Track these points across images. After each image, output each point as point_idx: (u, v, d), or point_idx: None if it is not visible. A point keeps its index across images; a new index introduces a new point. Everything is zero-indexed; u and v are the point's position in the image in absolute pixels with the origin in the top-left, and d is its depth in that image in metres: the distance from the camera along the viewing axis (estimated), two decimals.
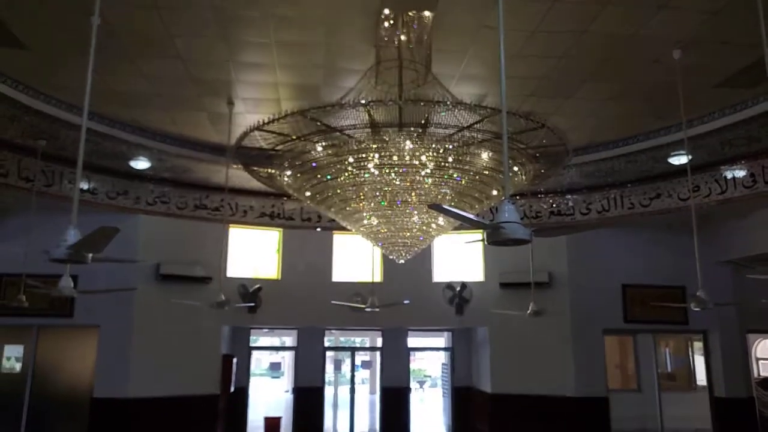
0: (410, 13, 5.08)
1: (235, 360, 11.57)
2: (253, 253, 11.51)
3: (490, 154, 4.73)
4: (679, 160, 8.24)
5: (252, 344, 12.85)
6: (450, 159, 4.66)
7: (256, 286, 10.81)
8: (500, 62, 2.93)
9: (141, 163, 8.84)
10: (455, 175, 4.77)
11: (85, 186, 9.11)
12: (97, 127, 7.50)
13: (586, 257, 10.93)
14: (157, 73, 6.31)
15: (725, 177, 8.43)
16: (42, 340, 10.16)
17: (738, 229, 9.98)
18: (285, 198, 10.30)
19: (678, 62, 5.74)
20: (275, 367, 20.03)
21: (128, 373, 9.76)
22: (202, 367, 10.41)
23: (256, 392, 13.56)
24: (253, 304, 10.54)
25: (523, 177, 5.18)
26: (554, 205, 10.36)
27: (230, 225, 10.91)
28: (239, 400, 11.79)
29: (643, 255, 10.99)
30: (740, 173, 8.25)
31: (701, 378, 11.54)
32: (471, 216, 2.70)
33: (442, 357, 14.27)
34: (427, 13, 5.08)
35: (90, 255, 3.11)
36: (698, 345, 11.77)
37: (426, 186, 4.82)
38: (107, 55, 5.77)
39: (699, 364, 11.76)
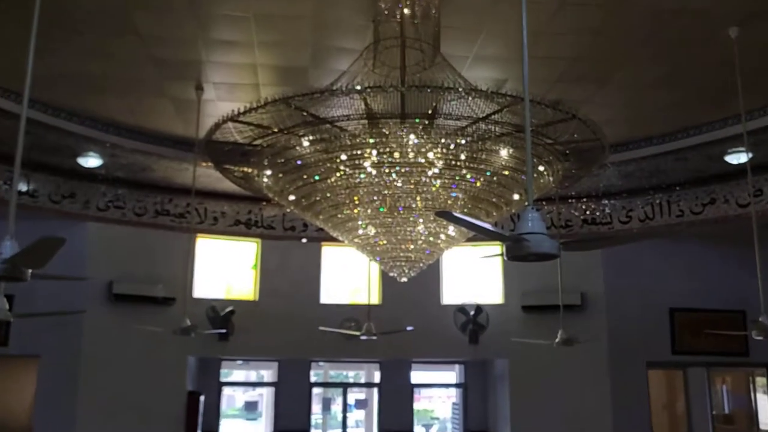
0: None
1: (202, 398, 11.53)
2: (225, 268, 11.52)
3: (511, 150, 4.73)
4: (738, 158, 8.28)
5: (223, 379, 12.83)
6: (462, 156, 4.66)
7: (229, 308, 10.80)
8: (522, 40, 2.95)
9: (91, 160, 8.85)
10: (468, 176, 4.76)
11: (23, 187, 9.12)
12: (39, 116, 7.50)
13: (627, 275, 10.94)
14: (112, 53, 6.33)
15: None
16: None
17: None
18: (264, 203, 10.30)
19: (735, 41, 5.76)
20: (251, 407, 19.94)
21: (74, 413, 9.73)
22: (163, 407, 10.38)
23: None
24: (224, 331, 10.53)
25: (550, 178, 5.18)
26: (588, 212, 10.38)
27: (198, 235, 10.91)
28: None
29: (694, 273, 11.00)
30: None
31: (765, 421, 11.52)
32: (487, 225, 2.71)
33: (452, 395, 14.24)
34: None
35: (29, 271, 3.11)
36: (761, 381, 11.76)
37: (433, 189, 4.81)
38: (52, 31, 5.79)
39: (762, 403, 11.74)
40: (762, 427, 11.72)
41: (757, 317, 6.02)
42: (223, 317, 10.68)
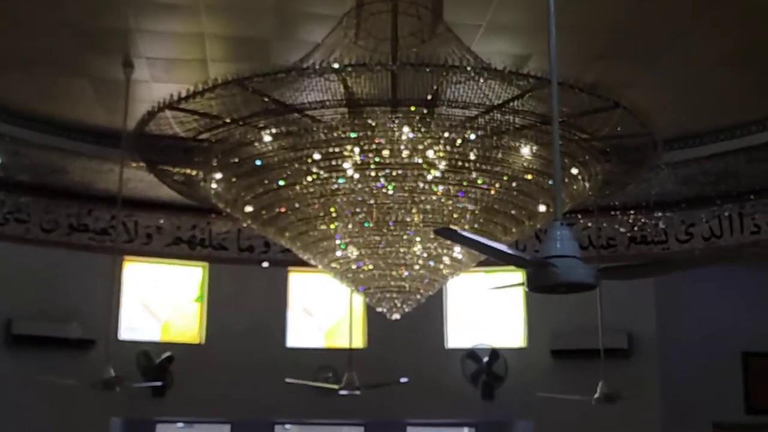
0: None
1: None
2: (161, 302, 11.47)
3: (535, 148, 4.77)
4: None
5: None
6: (472, 156, 4.70)
7: (166, 354, 10.73)
8: (549, 4, 2.98)
9: None
10: (480, 181, 4.80)
11: None
12: None
13: (687, 310, 10.97)
14: (13, 19, 6.31)
15: None
16: None
17: None
18: (213, 215, 10.28)
19: None
20: None
21: None
22: None
23: None
24: (160, 383, 10.46)
25: (586, 184, 5.22)
26: (636, 228, 10.42)
27: (126, 257, 10.87)
28: None
29: None
30: None
31: None
32: (503, 247, 2.72)
33: None
34: None
35: None
36: None
37: (434, 198, 4.84)
38: None
39: None
40: None
41: None
42: (158, 365, 10.61)
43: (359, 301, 9.45)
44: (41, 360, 9.97)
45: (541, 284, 2.57)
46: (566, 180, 5.06)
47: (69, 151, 8.66)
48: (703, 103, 7.81)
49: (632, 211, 10.35)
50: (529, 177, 4.87)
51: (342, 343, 10.40)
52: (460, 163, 4.72)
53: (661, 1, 6.03)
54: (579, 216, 9.93)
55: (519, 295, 11.52)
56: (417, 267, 5.43)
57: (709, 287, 10.82)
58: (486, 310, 11.77)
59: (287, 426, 13.41)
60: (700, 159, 8.71)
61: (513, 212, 5.08)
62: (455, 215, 4.94)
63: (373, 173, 4.72)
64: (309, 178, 4.83)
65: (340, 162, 4.71)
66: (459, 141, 4.68)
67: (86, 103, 7.87)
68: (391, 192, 4.80)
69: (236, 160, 4.98)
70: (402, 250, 5.26)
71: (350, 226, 5.12)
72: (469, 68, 4.51)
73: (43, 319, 10.25)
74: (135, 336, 11.03)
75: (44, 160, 9.01)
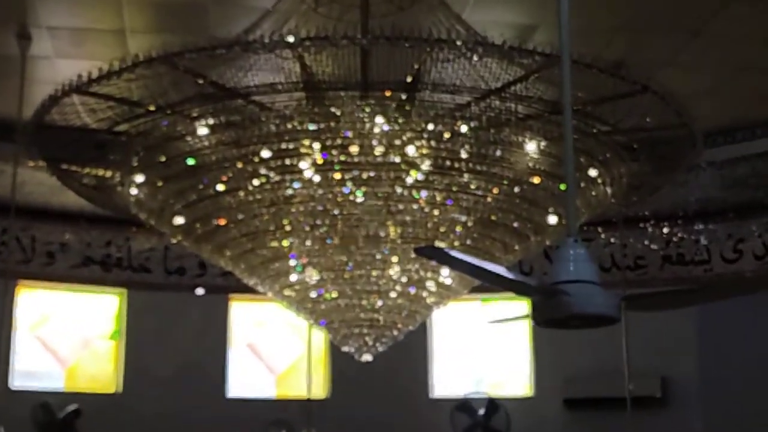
0: None
1: None
2: (66, 339, 11.41)
3: (543, 144, 4.81)
4: None
5: None
6: (463, 153, 4.74)
7: (72, 407, 10.68)
8: None
9: None
10: (474, 186, 4.84)
11: None
12: None
13: (735, 348, 11.08)
14: None
15: None
16: None
17: None
18: (133, 229, 10.25)
19: None
20: None
21: None
22: None
23: None
24: None
25: (608, 189, 5.28)
26: (671, 245, 10.52)
27: (20, 282, 10.82)
28: None
29: None
30: None
31: None
32: (501, 269, 2.75)
33: None
34: None
35: None
36: None
37: (416, 206, 4.88)
38: None
39: None
40: None
41: None
42: (61, 421, 10.56)
43: (320, 338, 9.45)
44: None
45: (552, 317, 2.59)
46: (582, 184, 5.09)
47: None
48: (755, 89, 7.91)
49: (666, 223, 10.46)
50: (536, 180, 4.92)
51: (299, 391, 10.39)
52: (448, 163, 4.75)
53: None
54: (599, 229, 10.01)
55: (524, 330, 11.60)
56: (393, 295, 5.46)
57: (764, 320, 10.93)
58: (482, 350, 11.82)
59: None
60: (751, 157, 8.83)
61: (515, 225, 5.12)
62: (442, 229, 4.98)
63: (337, 175, 4.74)
64: (256, 182, 4.84)
65: (295, 161, 4.72)
66: (447, 135, 4.71)
67: None
68: (360, 199, 4.82)
69: (163, 158, 4.99)
70: (374, 273, 5.29)
71: (309, 242, 5.14)
72: (459, 42, 4.52)
73: None
74: (32, 384, 10.95)
75: None
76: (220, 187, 4.92)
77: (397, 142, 4.67)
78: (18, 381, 10.82)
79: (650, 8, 6.67)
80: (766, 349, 11.16)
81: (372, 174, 4.73)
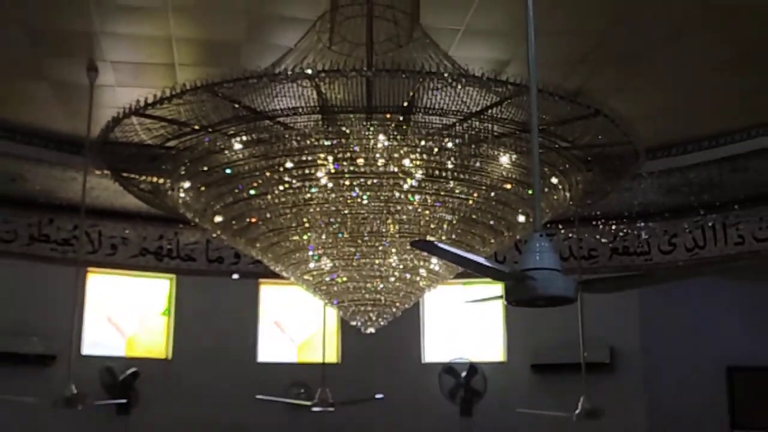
0: None
1: None
2: (127, 315, 11.40)
3: (514, 156, 4.79)
4: None
5: None
6: (449, 165, 4.71)
7: (131, 370, 10.66)
8: (528, 9, 3.00)
9: None
10: (458, 191, 4.81)
11: None
12: None
13: (671, 324, 11.05)
14: None
15: None
16: None
17: None
18: (180, 225, 10.25)
19: None
20: None
21: None
22: None
23: None
24: (125, 401, 10.39)
25: (567, 194, 5.26)
26: (618, 239, 10.50)
27: (89, 269, 10.80)
28: None
29: (761, 320, 11.15)
30: None
31: None
32: (480, 259, 2.73)
33: None
34: None
35: None
36: None
37: (411, 208, 4.86)
38: None
39: None
40: None
41: None
42: (122, 382, 10.54)
43: (333, 314, 9.45)
44: (0, 376, 9.87)
45: (521, 298, 2.58)
46: (546, 189, 5.08)
47: (29, 158, 8.62)
48: (689, 111, 7.91)
49: (614, 222, 10.43)
50: (508, 186, 4.88)
51: (315, 358, 10.37)
52: (437, 172, 4.72)
53: (647, 7, 6.09)
54: (559, 226, 10.00)
55: (498, 308, 11.57)
56: (392, 279, 5.44)
57: (695, 300, 10.90)
58: (464, 324, 11.80)
59: None
60: (683, 168, 8.81)
61: (492, 223, 5.10)
62: (432, 226, 4.95)
63: (347, 182, 4.71)
64: (281, 188, 4.82)
65: (313, 171, 4.70)
66: (436, 149, 4.69)
67: (48, 108, 7.83)
68: (365, 202, 4.80)
69: (205, 168, 4.96)
70: (377, 261, 5.27)
71: (323, 236, 5.11)
72: (446, 74, 4.51)
73: (1, 334, 10.16)
74: (98, 351, 10.93)
75: (3, 168, 8.94)
76: (252, 192, 4.90)
77: (396, 155, 4.65)
78: (87, 349, 10.84)
79: (604, 45, 6.65)
80: (694, 324, 11.16)
81: (375, 181, 4.71)
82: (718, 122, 8.16)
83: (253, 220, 5.13)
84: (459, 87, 4.52)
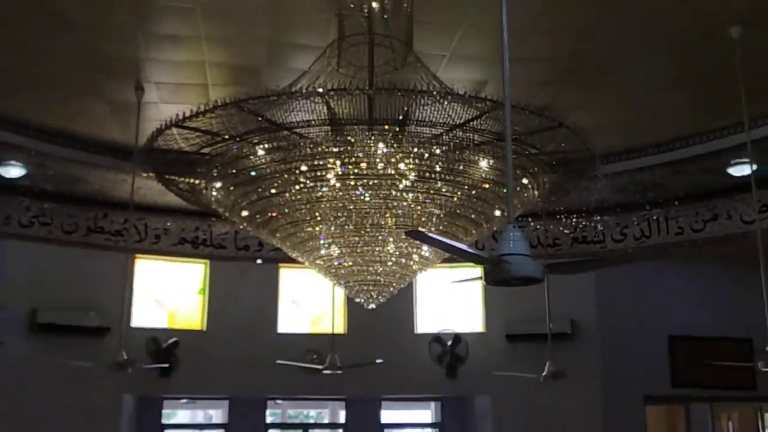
0: None
1: None
2: (168, 293, 11.40)
3: (491, 161, 4.78)
4: (741, 170, 8.45)
5: (165, 421, 12.65)
6: (437, 168, 4.70)
7: (172, 339, 10.69)
8: (503, 38, 2.99)
9: (12, 170, 8.71)
10: (444, 190, 4.80)
11: None
12: None
13: (622, 300, 11.09)
14: (37, 46, 6.25)
15: None
16: None
17: None
18: (213, 219, 10.23)
19: (737, 42, 5.91)
20: None
21: None
22: None
23: None
24: (167, 365, 10.41)
25: (535, 192, 5.25)
26: (578, 230, 10.50)
27: (137, 255, 10.80)
28: None
29: (696, 297, 11.19)
30: None
31: None
32: (463, 246, 2.73)
33: None
34: None
35: None
36: None
37: (405, 204, 4.84)
38: None
39: None
40: None
41: (764, 347, 6.14)
42: (165, 349, 10.57)
43: (340, 293, 9.45)
44: (63, 345, 9.88)
45: (497, 278, 2.56)
46: (518, 189, 5.07)
47: (87, 163, 8.60)
48: (635, 124, 7.90)
49: (574, 215, 10.43)
50: (487, 186, 4.87)
51: (326, 329, 10.38)
52: (427, 174, 4.72)
53: (600, 39, 6.08)
54: (529, 219, 9.99)
55: (478, 287, 11.59)
56: (390, 263, 5.43)
57: (642, 280, 10.94)
58: (450, 301, 11.82)
59: (278, 401, 13.39)
60: (632, 171, 8.80)
61: (473, 216, 5.08)
62: (423, 219, 4.94)
63: (352, 182, 4.71)
64: (297, 187, 4.80)
65: (323, 173, 4.69)
66: (426, 155, 4.68)
67: (104, 122, 7.82)
68: (367, 199, 4.78)
69: (233, 171, 4.95)
70: (377, 249, 5.25)
71: (332, 228, 5.10)
72: (435, 93, 4.51)
73: (64, 309, 10.19)
74: (145, 324, 10.97)
75: (66, 171, 8.93)
76: (272, 191, 4.89)
77: (393, 160, 4.64)
78: (135, 322, 10.87)
79: (565, 69, 6.65)
80: (641, 300, 11.20)
81: (375, 181, 4.70)
82: (661, 133, 8.16)
83: (274, 214, 5.11)
84: (445, 103, 4.52)
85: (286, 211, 5.02)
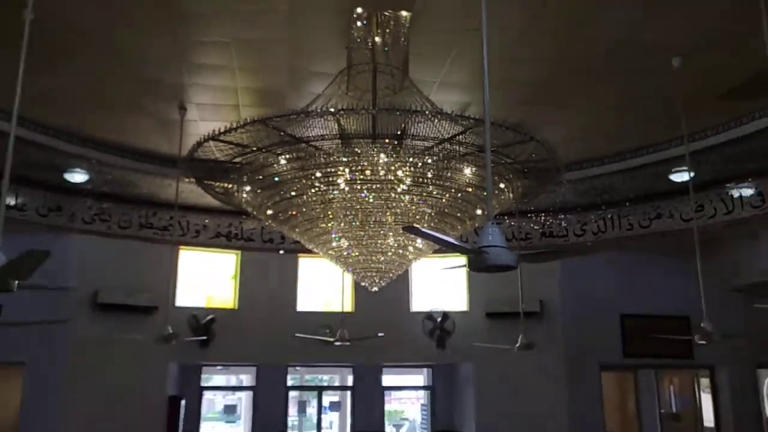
0: (386, 13, 5.15)
1: (183, 402, 11.36)
2: (206, 279, 11.40)
3: (474, 169, 4.79)
4: (681, 177, 8.45)
5: (203, 384, 12.65)
6: (429, 174, 4.71)
7: (209, 316, 10.68)
8: (484, 68, 2.99)
9: (77, 176, 8.72)
10: (435, 193, 4.81)
11: (11, 201, 8.94)
12: (27, 134, 7.38)
13: (582, 284, 11.07)
14: (98, 73, 6.27)
15: (731, 196, 8.66)
16: None
17: (747, 253, 10.22)
18: (243, 216, 10.25)
19: (678, 71, 5.91)
20: (230, 410, 19.66)
21: (57, 419, 9.50)
22: (145, 411, 10.20)
23: None
24: (205, 338, 10.41)
25: (510, 195, 5.24)
26: (545, 226, 10.50)
27: (180, 247, 10.80)
28: None
29: (643, 282, 11.17)
30: (748, 192, 8.48)
31: (709, 419, 11.68)
32: (451, 239, 2.72)
33: (421, 397, 14.22)
34: (404, 13, 5.16)
35: (16, 282, 3.05)
36: (705, 382, 11.93)
37: (402, 204, 4.84)
38: (38, 51, 5.69)
39: (706, 403, 11.91)
40: (706, 424, 11.89)
41: (699, 323, 6.14)
42: (203, 325, 10.57)
43: (349, 278, 9.45)
44: (119, 321, 9.91)
45: (478, 266, 2.56)
46: (496, 192, 5.08)
47: (139, 170, 8.60)
48: (593, 138, 7.89)
49: (542, 214, 10.43)
50: (470, 190, 4.88)
51: (336, 308, 10.38)
52: (420, 180, 4.72)
53: (564, 67, 6.08)
54: (505, 217, 9.98)
55: (463, 273, 11.58)
56: (390, 254, 5.43)
57: (598, 267, 10.92)
58: (439, 284, 11.81)
59: (297, 367, 13.39)
60: (590, 177, 8.79)
61: (458, 215, 5.08)
62: (417, 217, 4.94)
63: (358, 186, 4.71)
64: (312, 190, 4.81)
65: (335, 179, 4.70)
66: (420, 164, 4.68)
67: (152, 135, 7.82)
68: (371, 200, 4.79)
69: (260, 177, 4.95)
70: (379, 241, 5.26)
71: (342, 224, 5.10)
72: (427, 112, 4.52)
73: (120, 291, 10.19)
74: (187, 303, 10.96)
75: (121, 177, 8.93)
76: (292, 193, 4.89)
77: (392, 168, 4.65)
78: (179, 302, 10.86)
79: (535, 93, 6.64)
80: (598, 284, 11.17)
81: (378, 186, 4.70)
82: (615, 145, 8.15)
83: (293, 213, 5.11)
84: (436, 121, 4.54)
85: (304, 210, 5.03)
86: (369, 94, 5.25)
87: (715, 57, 5.83)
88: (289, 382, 12.77)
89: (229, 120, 4.83)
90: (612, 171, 8.54)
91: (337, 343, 9.19)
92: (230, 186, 5.39)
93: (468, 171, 4.79)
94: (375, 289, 5.91)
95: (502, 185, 5.08)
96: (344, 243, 5.34)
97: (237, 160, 5.04)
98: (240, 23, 5.38)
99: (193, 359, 11.16)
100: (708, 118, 7.10)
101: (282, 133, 4.68)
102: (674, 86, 6.08)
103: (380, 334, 9.98)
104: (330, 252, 5.57)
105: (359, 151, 4.64)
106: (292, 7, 5.17)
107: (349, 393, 13.31)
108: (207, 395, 13.39)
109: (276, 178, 4.86)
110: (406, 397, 17.02)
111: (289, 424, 12.60)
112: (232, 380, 16.51)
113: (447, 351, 11.26)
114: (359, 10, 5.12)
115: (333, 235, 5.28)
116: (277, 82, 6.41)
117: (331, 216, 5.01)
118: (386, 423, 13.20)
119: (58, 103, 6.90)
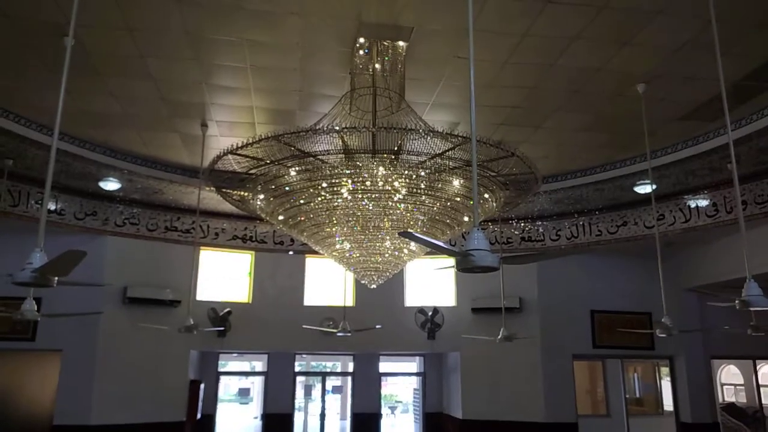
0: (385, 43, 5.17)
1: (202, 386, 11.32)
2: (223, 276, 11.38)
3: (462, 181, 4.78)
4: (644, 189, 8.47)
5: (220, 369, 12.60)
6: (422, 185, 4.71)
7: (226, 309, 10.66)
8: (471, 92, 3.00)
9: (110, 184, 8.71)
10: (427, 202, 4.80)
11: (52, 206, 8.93)
12: (67, 147, 7.39)
13: (556, 283, 11.06)
14: (129, 94, 6.27)
15: (689, 206, 8.68)
16: (1, 365, 9.81)
17: (702, 257, 10.24)
18: (257, 221, 10.23)
19: (642, 95, 5.94)
20: (244, 393, 19.61)
21: (91, 400, 9.47)
22: (168, 394, 10.15)
23: (223, 419, 13.26)
24: (222, 328, 10.38)
25: (494, 204, 5.24)
26: (525, 232, 10.50)
27: (201, 247, 10.79)
28: (206, 427, 11.50)
29: (611, 281, 11.16)
30: (703, 203, 8.50)
31: (668, 403, 11.69)
32: (441, 243, 2.72)
33: (413, 382, 14.19)
34: (401, 43, 5.18)
35: (55, 278, 3.05)
36: (665, 371, 11.95)
37: (398, 211, 4.84)
38: (78, 75, 5.72)
39: (666, 389, 11.92)
40: (666, 408, 11.91)
41: (660, 319, 6.15)
42: (221, 317, 10.54)
43: (350, 276, 9.46)
44: (146, 314, 9.87)
45: (465, 267, 2.54)
46: (481, 201, 5.07)
47: (165, 179, 8.58)
48: (567, 155, 7.89)
49: (522, 221, 10.43)
50: (458, 199, 4.87)
51: (339, 303, 10.37)
52: (414, 190, 4.72)
53: (541, 92, 6.09)
54: (489, 224, 9.99)
55: (451, 273, 11.58)
56: (387, 255, 5.42)
57: (571, 268, 10.91)
58: (431, 283, 11.80)
59: (304, 355, 13.36)
60: (565, 189, 8.79)
61: (448, 221, 5.08)
62: (412, 223, 4.93)
63: (360, 196, 4.71)
64: (319, 199, 4.81)
65: (339, 189, 4.70)
66: (414, 176, 4.68)
67: (176, 149, 7.81)
68: (371, 208, 4.78)
69: (273, 186, 4.95)
70: (378, 245, 5.25)
71: (345, 229, 5.10)
72: (421, 131, 4.52)
73: (147, 287, 10.16)
74: (206, 297, 10.93)
75: (149, 185, 8.92)
76: (301, 201, 4.88)
77: (390, 179, 4.64)
78: (200, 296, 10.83)
79: (516, 114, 6.64)
80: (571, 283, 11.16)
81: (377, 195, 4.70)
82: (586, 161, 8.15)
83: (302, 218, 5.11)
84: (428, 138, 4.54)
85: (311, 216, 5.02)
86: (369, 114, 5.27)
87: (676, 84, 5.86)
88: (297, 368, 12.73)
89: (246, 136, 4.85)
90: (583, 183, 8.55)
91: (340, 334, 9.17)
92: (246, 194, 5.38)
93: (456, 183, 4.79)
94: (373, 286, 5.90)
95: (486, 195, 5.07)
96: (346, 245, 5.33)
97: (252, 171, 5.05)
98: (257, 51, 5.39)
99: (211, 347, 11.13)
100: (668, 137, 7.12)
101: (293, 148, 4.69)
102: (639, 109, 6.10)
103: (378, 326, 9.97)
104: (334, 253, 5.56)
105: (360, 165, 4.64)
106: (302, 38, 5.18)
107: (349, 378, 13.28)
108: (224, 379, 13.33)
109: (287, 188, 4.86)
110: (401, 382, 16.98)
111: (296, 405, 12.55)
112: (246, 366, 16.46)
113: (437, 342, 11.24)
114: (361, 40, 5.14)
115: (337, 239, 5.28)
116: (288, 102, 6.42)
117: (335, 221, 5.01)
118: (382, 405, 13.17)
119: (95, 120, 6.90)
